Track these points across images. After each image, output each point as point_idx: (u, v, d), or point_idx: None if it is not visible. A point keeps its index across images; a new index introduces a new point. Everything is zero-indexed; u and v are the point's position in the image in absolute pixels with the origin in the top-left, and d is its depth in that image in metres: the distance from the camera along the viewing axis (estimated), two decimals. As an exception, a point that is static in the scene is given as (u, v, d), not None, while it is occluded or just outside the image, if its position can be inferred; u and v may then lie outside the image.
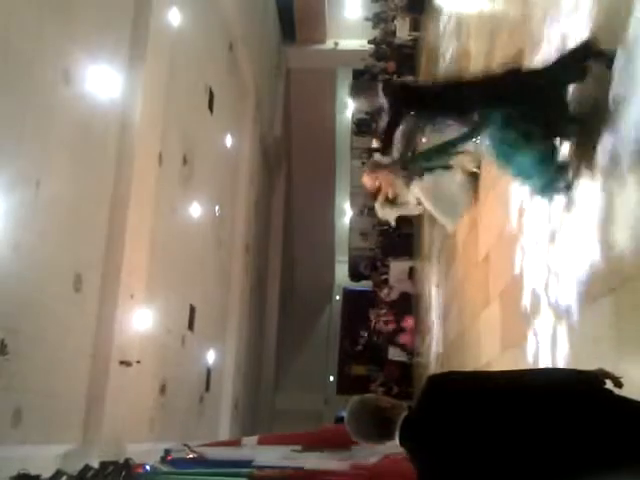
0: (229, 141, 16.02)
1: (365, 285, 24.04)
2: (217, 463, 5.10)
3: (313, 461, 4.82)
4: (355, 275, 25.63)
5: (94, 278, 8.10)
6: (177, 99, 11.11)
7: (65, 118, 7.35)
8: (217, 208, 14.69)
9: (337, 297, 27.98)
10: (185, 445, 5.30)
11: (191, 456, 5.22)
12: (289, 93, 24.46)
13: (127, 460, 5.51)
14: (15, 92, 6.31)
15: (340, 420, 24.03)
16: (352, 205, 26.32)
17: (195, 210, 12.66)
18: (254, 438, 5.75)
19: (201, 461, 5.18)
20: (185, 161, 11.94)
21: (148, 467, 5.14)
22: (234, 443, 5.86)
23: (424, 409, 2.25)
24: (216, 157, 14.83)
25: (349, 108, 24.36)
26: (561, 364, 4.25)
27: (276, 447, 5.22)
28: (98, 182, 8.26)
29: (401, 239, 18.41)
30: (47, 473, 4.91)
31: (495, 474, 2.04)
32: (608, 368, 2.31)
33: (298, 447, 5.11)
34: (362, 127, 21.94)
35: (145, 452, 6.15)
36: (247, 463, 4.94)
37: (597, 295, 3.68)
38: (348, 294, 27.58)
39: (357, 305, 24.67)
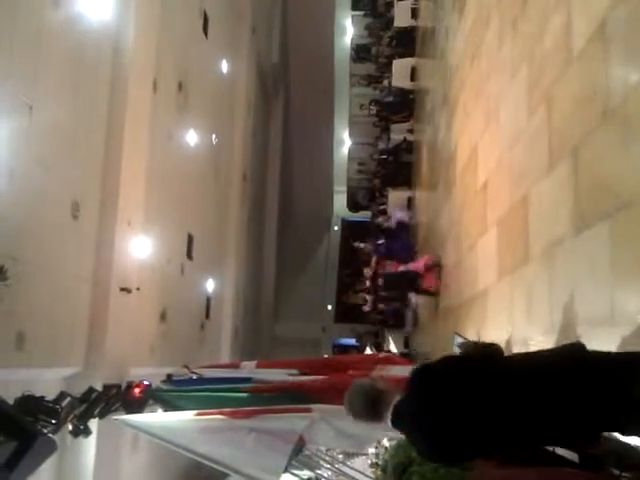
0: (225, 67, 15.67)
1: (364, 215, 24.05)
2: (216, 380, 5.24)
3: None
4: (354, 205, 25.60)
5: (91, 205, 8.08)
6: (171, 22, 10.79)
7: (56, 42, 7.14)
8: (214, 136, 14.53)
9: (335, 227, 28.03)
10: (185, 366, 5.40)
11: (192, 377, 5.35)
12: (286, 18, 23.78)
13: (130, 383, 5.62)
14: (2, 16, 6.10)
15: (337, 347, 24.49)
16: (351, 134, 25.99)
17: (192, 138, 12.52)
18: (253, 363, 5.85)
19: (201, 380, 5.31)
20: (180, 87, 11.71)
21: (147, 382, 5.29)
22: (233, 365, 5.97)
23: (411, 397, 2.46)
24: (212, 84, 14.54)
25: (348, 33, 23.73)
26: (557, 291, 4.29)
27: (274, 370, 5.34)
28: (92, 108, 8.12)
29: (400, 169, 18.27)
30: (51, 395, 5.00)
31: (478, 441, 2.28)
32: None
33: (295, 371, 5.20)
34: (361, 53, 21.45)
35: (147, 376, 6.26)
36: (246, 380, 5.07)
37: (593, 220, 3.68)
38: (347, 224, 27.62)
39: (355, 235, 24.76)
